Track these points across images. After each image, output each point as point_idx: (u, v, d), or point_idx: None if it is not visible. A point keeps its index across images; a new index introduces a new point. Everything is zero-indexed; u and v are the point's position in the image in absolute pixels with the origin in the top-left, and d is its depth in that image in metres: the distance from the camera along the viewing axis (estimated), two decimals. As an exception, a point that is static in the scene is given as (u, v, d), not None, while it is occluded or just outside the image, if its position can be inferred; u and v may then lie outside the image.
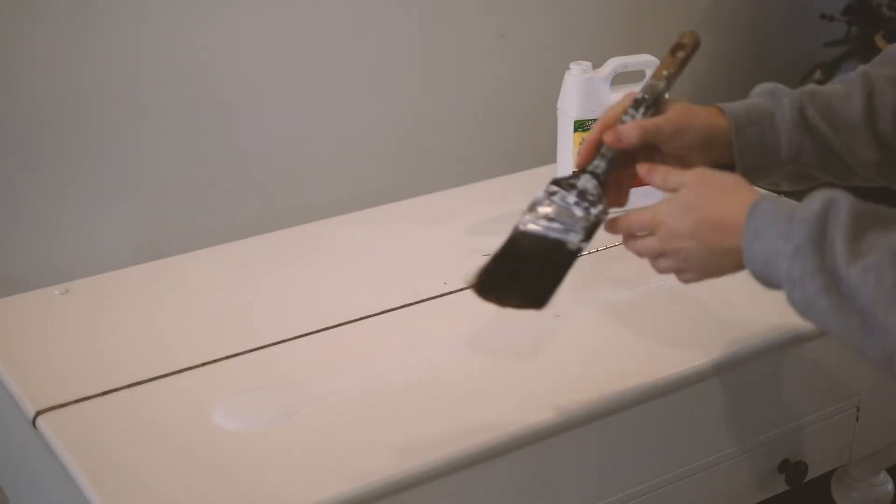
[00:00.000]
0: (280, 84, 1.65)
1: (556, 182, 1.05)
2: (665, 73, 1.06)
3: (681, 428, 1.21)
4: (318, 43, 1.66)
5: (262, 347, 1.22)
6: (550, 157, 1.61)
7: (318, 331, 1.25)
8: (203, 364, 1.19)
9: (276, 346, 1.23)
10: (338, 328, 1.26)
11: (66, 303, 1.34)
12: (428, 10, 1.73)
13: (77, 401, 1.13)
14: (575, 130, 1.53)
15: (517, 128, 1.86)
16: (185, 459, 1.04)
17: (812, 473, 1.32)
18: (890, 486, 1.48)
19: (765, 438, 1.27)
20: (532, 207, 1.04)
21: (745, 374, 1.21)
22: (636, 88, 1.08)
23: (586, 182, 1.04)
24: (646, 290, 1.32)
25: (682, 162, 1.05)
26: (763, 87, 1.11)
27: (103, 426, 1.10)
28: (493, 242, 1.44)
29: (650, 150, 1.06)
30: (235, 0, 1.58)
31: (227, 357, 1.20)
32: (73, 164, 1.53)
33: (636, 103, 1.05)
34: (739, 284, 1.33)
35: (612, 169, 1.05)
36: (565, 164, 1.56)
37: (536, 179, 1.64)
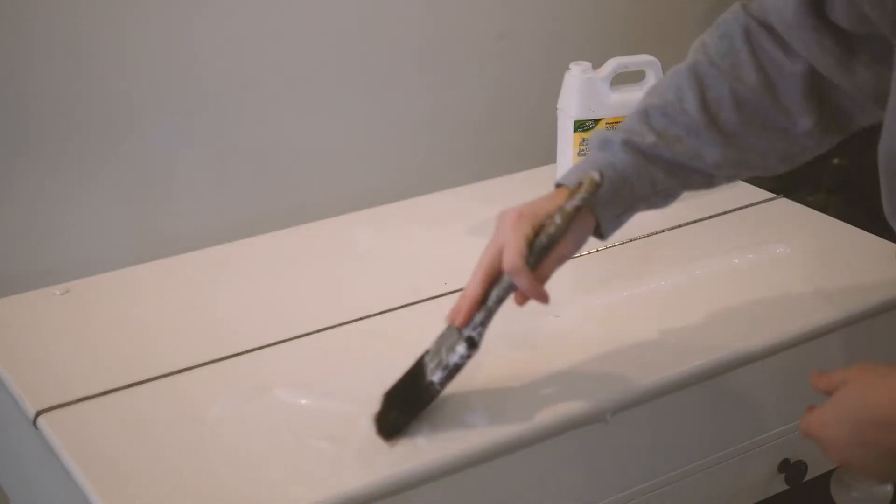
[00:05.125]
0: (280, 84, 1.65)
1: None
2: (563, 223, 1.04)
3: (681, 428, 1.21)
4: (317, 42, 1.66)
5: (261, 347, 1.22)
6: (550, 157, 1.61)
7: (318, 330, 1.25)
8: (204, 364, 1.19)
9: (276, 346, 1.23)
10: (338, 328, 1.26)
11: (66, 303, 1.34)
12: (428, 9, 1.73)
13: (77, 401, 1.13)
14: (575, 130, 1.53)
15: (517, 128, 1.85)
16: (186, 459, 1.04)
17: (812, 473, 1.32)
18: (889, 487, 1.48)
19: (765, 438, 1.27)
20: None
21: (744, 373, 1.21)
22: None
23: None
24: (646, 290, 1.32)
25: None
26: (594, 139, 1.11)
27: (104, 426, 1.10)
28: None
29: None
30: None
31: (228, 357, 1.20)
32: (73, 164, 1.52)
33: (539, 251, 1.04)
34: (738, 285, 1.34)
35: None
36: (565, 164, 1.56)
37: (536, 179, 1.65)
